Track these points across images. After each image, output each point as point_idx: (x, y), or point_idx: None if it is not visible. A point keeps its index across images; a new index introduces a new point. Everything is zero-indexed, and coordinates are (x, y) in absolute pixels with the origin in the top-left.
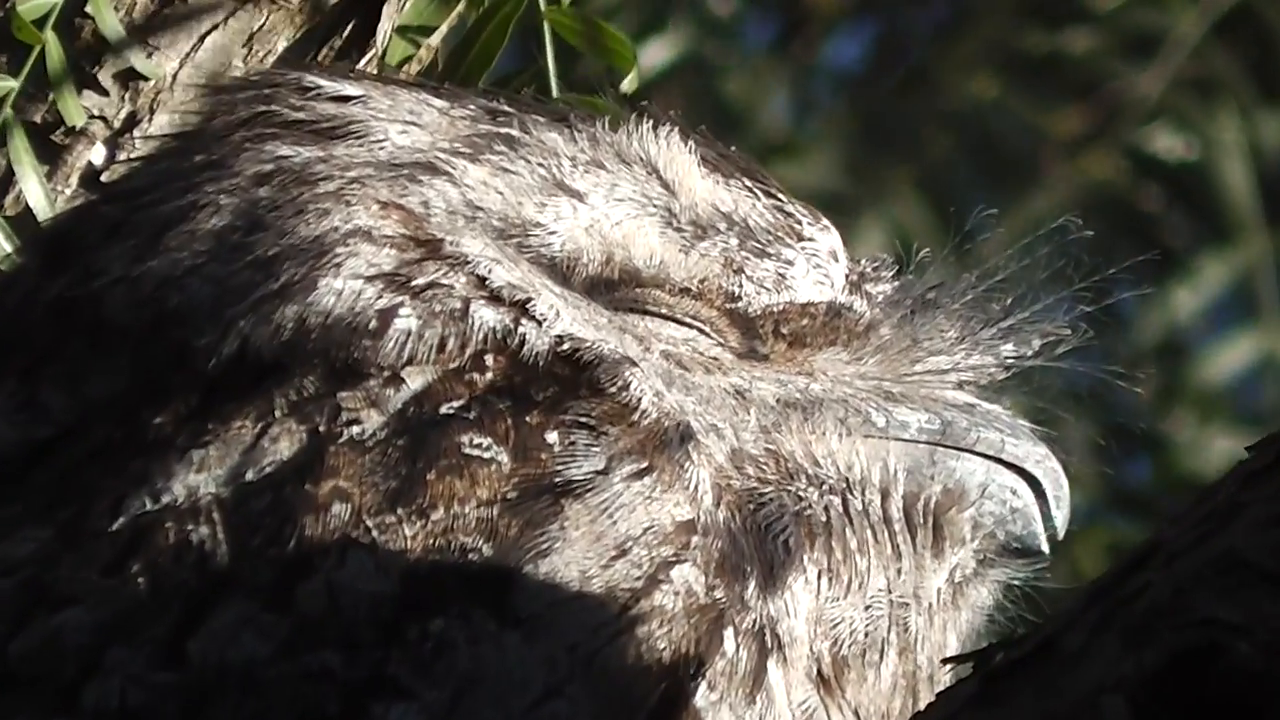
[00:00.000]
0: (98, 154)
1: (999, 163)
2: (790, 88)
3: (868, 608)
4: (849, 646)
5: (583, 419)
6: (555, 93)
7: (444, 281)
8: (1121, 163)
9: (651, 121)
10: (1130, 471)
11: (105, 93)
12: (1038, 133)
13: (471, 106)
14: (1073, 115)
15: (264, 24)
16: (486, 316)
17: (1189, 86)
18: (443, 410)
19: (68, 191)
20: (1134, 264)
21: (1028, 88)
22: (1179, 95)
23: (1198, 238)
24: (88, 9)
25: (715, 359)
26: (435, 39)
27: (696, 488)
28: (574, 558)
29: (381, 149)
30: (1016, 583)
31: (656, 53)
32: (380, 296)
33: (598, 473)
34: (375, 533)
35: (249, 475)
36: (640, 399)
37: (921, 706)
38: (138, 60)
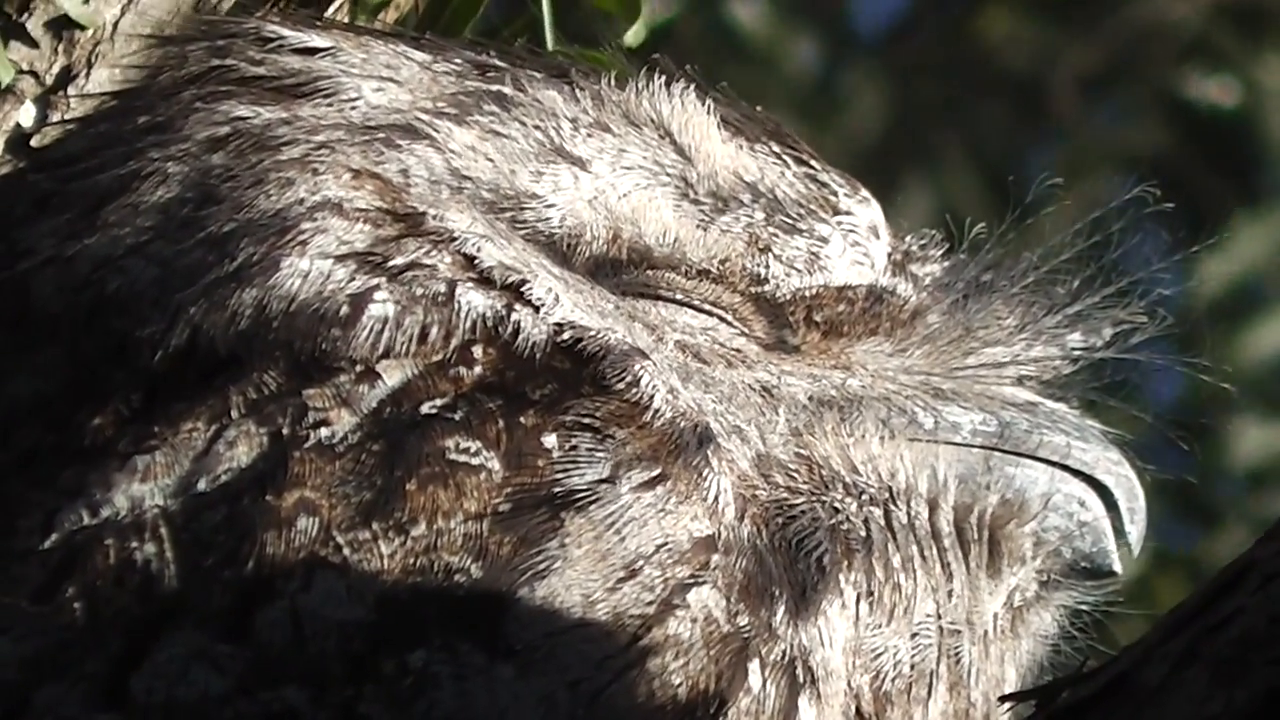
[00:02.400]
0: (26, 114)
1: (1022, 104)
2: (819, 41)
3: (914, 636)
4: (892, 680)
5: (585, 420)
6: (552, 45)
7: (426, 261)
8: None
9: (664, 78)
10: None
11: (35, 44)
12: (1052, 67)
13: (457, 61)
14: (1092, 48)
15: None
16: (475, 302)
17: (1229, 18)
18: (424, 410)
19: None
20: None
21: (1043, 17)
22: (1217, 29)
23: (1234, 199)
24: None
25: (738, 351)
26: None
27: (717, 499)
28: (576, 580)
29: (354, 109)
30: (1085, 607)
31: None
32: (352, 279)
33: (603, 482)
34: (347, 551)
35: (201, 485)
36: (652, 397)
37: None
38: (72, 6)
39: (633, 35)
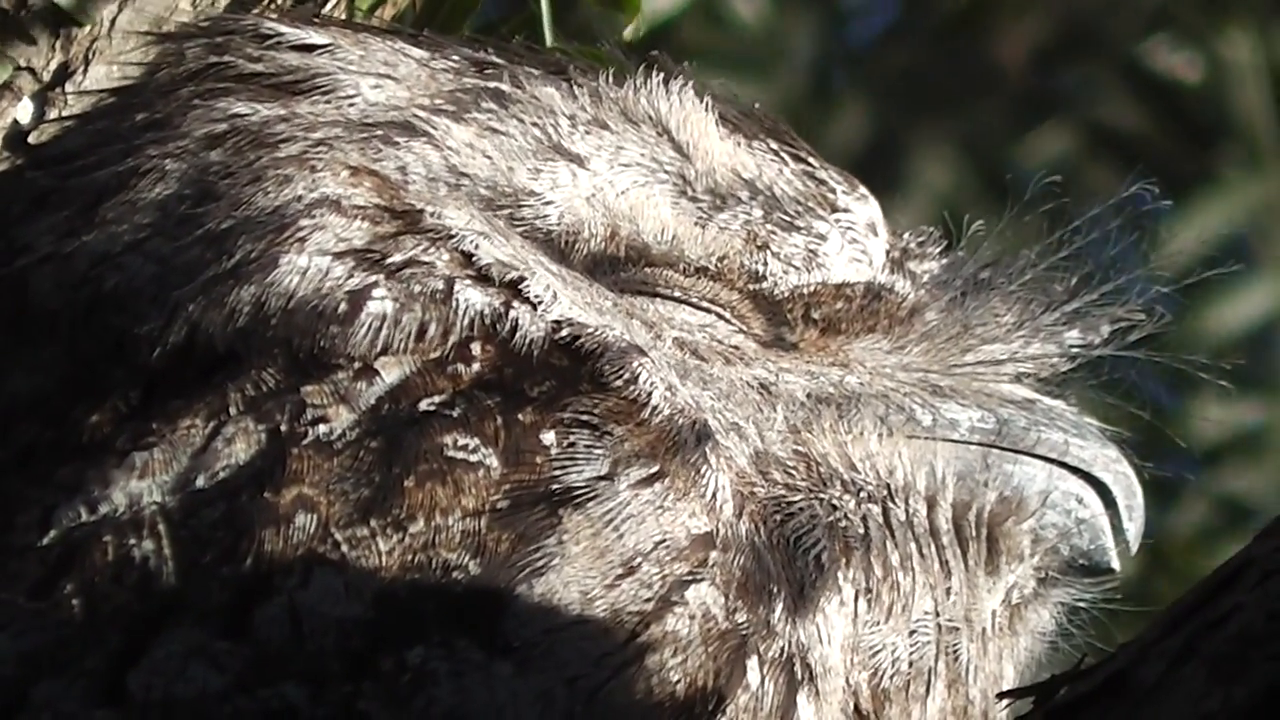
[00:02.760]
0: (24, 111)
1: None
2: (814, 36)
3: (912, 633)
4: (891, 678)
5: (584, 417)
6: (550, 41)
7: (424, 259)
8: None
9: (662, 75)
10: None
11: (32, 41)
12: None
13: (455, 57)
14: (1050, 15)
15: None
16: (473, 299)
17: None
18: (422, 407)
19: None
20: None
21: None
22: (1182, 4)
23: (1198, 171)
24: None
25: (736, 348)
26: None
27: (715, 496)
28: (574, 577)
29: (351, 106)
30: (1083, 605)
31: None
32: (350, 276)
33: (601, 479)
34: (345, 548)
35: (199, 482)
36: (650, 394)
37: None
38: (69, 2)
39: (631, 30)
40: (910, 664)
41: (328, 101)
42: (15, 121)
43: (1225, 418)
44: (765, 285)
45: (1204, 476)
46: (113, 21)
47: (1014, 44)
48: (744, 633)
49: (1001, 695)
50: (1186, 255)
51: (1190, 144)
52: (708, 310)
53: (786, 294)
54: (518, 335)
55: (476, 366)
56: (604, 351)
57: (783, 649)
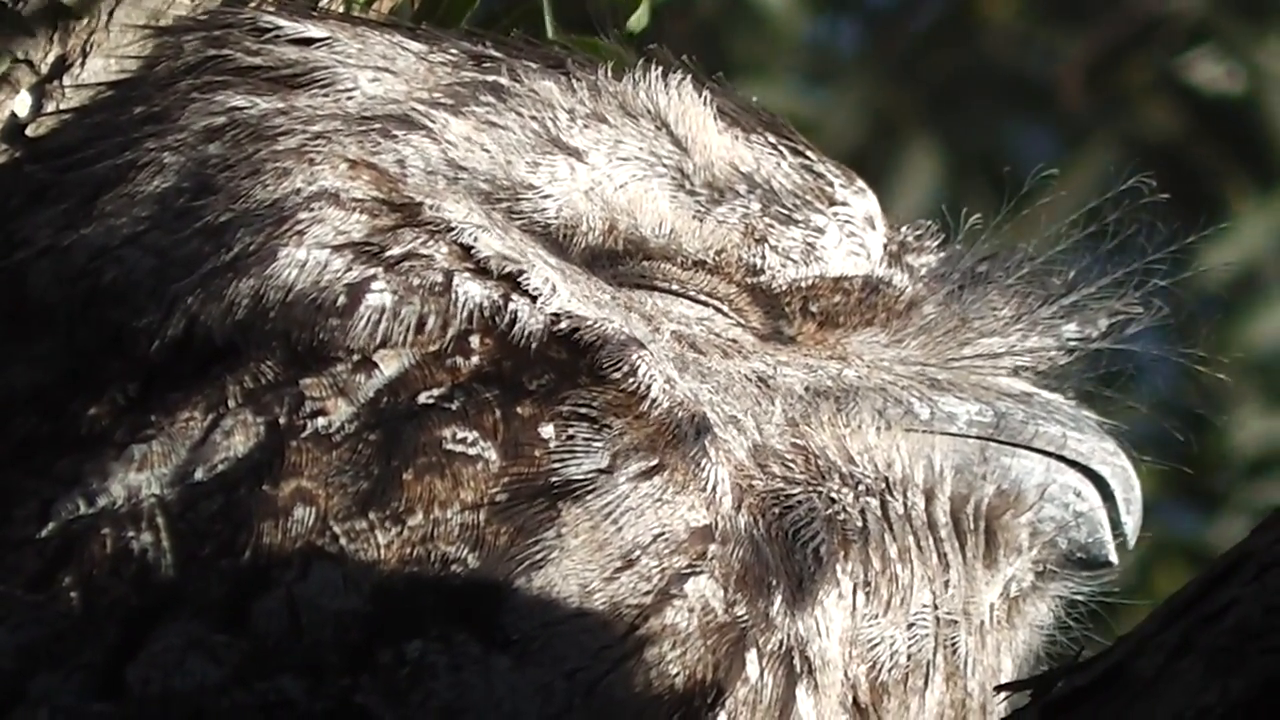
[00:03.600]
0: (22, 104)
1: (1018, 92)
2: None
3: (910, 626)
4: (889, 671)
5: (583, 410)
6: (550, 34)
7: (423, 251)
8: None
9: (661, 68)
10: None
11: (30, 33)
12: (1055, 55)
13: (453, 51)
14: (1096, 36)
15: None
16: (472, 291)
17: (1233, 4)
18: (421, 399)
19: None
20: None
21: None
22: (1222, 15)
23: (1240, 184)
24: None
25: (734, 341)
26: None
27: (714, 489)
28: (573, 570)
29: (350, 99)
30: (1081, 598)
31: None
32: (349, 269)
33: (600, 471)
34: (343, 541)
35: (198, 475)
36: (649, 387)
37: None
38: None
39: (635, 20)
40: (909, 657)
41: (326, 95)
42: (13, 114)
43: (1267, 430)
44: (763, 278)
45: (1245, 489)
46: (110, 14)
47: (1069, 66)
48: (743, 626)
49: (999, 688)
50: (1226, 269)
51: (1232, 155)
52: (705, 303)
53: (784, 287)
54: (517, 328)
55: (475, 359)
56: (603, 344)
57: (782, 642)
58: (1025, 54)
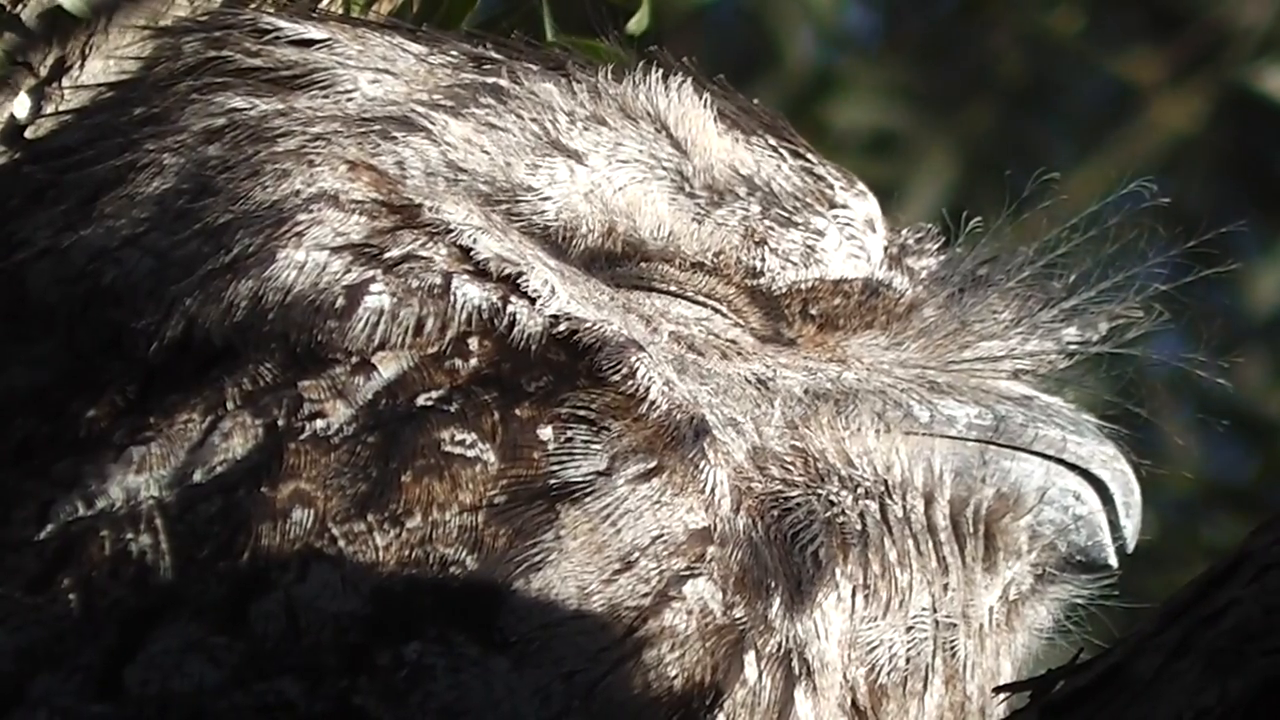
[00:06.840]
0: (21, 106)
1: (1073, 114)
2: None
3: (909, 629)
4: (888, 673)
5: (581, 412)
6: (550, 36)
7: (422, 253)
8: (1215, 106)
9: (661, 70)
10: (1230, 463)
11: (29, 34)
12: (1117, 78)
13: (453, 53)
14: (1159, 57)
15: None
16: (471, 293)
17: None
18: (420, 402)
19: None
20: (1234, 225)
21: (1110, 22)
22: None
23: None
24: None
25: (733, 343)
26: None
27: (713, 491)
28: (571, 572)
29: (350, 101)
30: (1080, 601)
31: None
32: (348, 270)
33: (599, 474)
34: (342, 543)
35: (196, 477)
36: (648, 388)
37: None
38: (74, 2)
39: (636, 23)
40: (908, 660)
41: (326, 96)
42: (12, 116)
43: None
44: (763, 281)
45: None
46: (109, 17)
47: (1152, 70)
48: (742, 628)
49: (998, 690)
50: None
51: None
52: (705, 305)
53: (784, 289)
54: (515, 330)
55: (474, 361)
56: (602, 346)
57: (780, 644)
58: (1091, 72)
